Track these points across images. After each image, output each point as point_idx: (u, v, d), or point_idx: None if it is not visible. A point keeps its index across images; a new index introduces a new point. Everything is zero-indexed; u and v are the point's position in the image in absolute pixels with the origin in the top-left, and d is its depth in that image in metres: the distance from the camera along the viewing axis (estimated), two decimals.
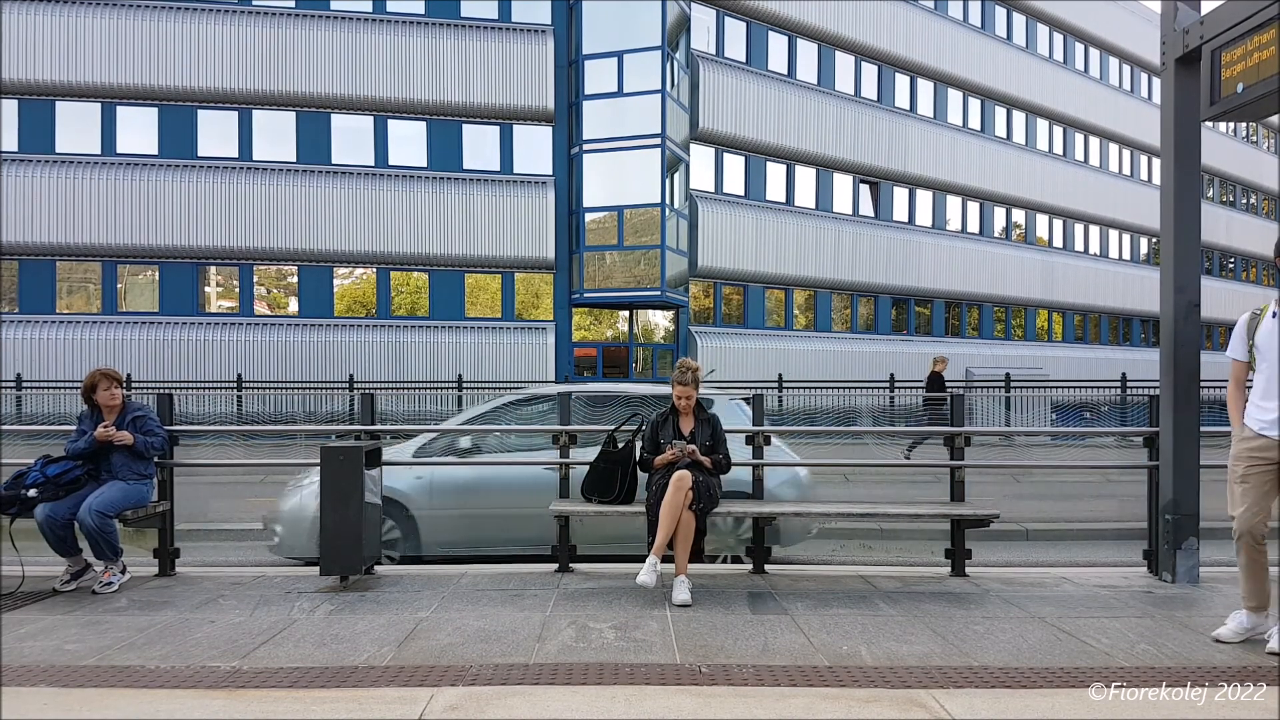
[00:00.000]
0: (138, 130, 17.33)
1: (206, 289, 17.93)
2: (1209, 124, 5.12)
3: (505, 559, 5.50)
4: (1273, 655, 3.34)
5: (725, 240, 19.84)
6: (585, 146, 18.35)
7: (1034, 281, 26.56)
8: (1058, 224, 27.89)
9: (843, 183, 22.37)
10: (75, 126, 17.12)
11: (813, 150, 21.41)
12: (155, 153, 17.30)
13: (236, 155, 17.56)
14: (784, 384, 16.09)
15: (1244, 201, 34.09)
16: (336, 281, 18.32)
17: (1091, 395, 19.00)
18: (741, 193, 20.48)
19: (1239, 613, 3.55)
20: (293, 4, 17.67)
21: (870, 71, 22.82)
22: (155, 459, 4.76)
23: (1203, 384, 4.76)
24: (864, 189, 22.92)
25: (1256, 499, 3.45)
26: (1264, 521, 3.46)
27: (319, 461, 4.47)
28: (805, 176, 21.63)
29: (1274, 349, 3.42)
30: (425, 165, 18.22)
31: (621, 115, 18.13)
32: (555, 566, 4.93)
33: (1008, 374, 17.40)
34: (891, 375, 17.29)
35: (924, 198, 24.14)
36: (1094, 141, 28.94)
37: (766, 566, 4.92)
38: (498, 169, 18.49)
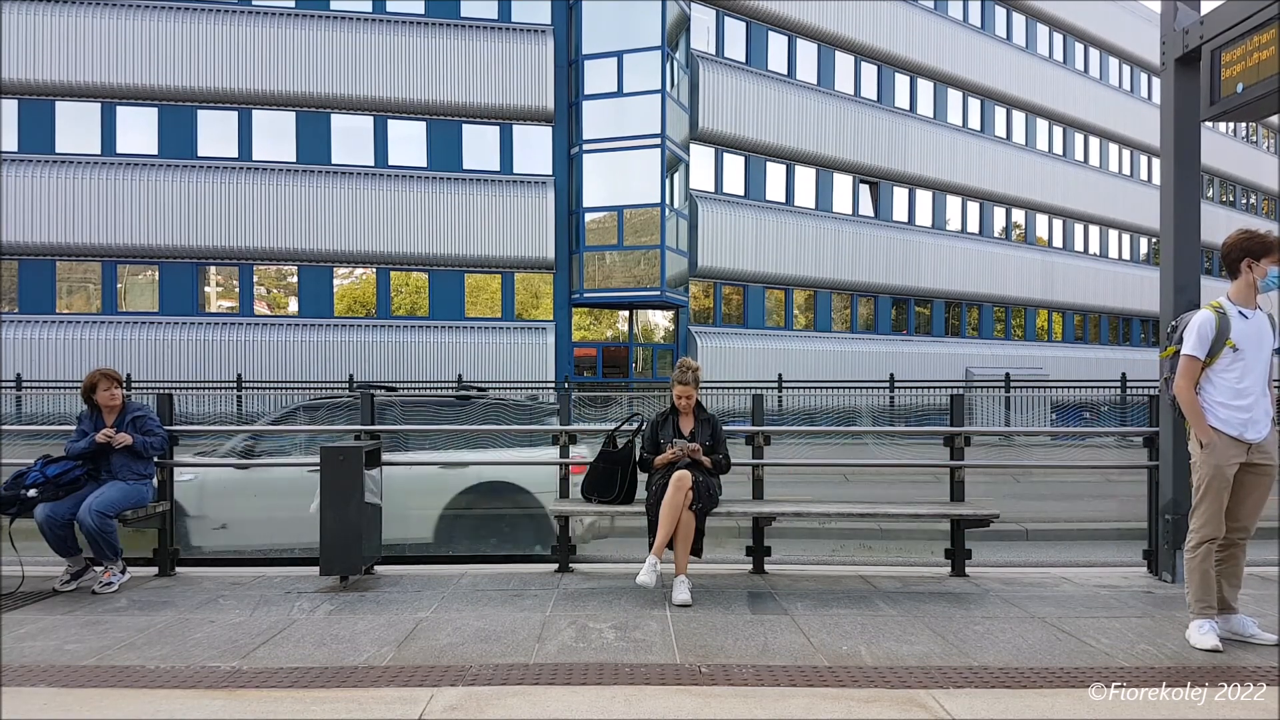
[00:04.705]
0: (138, 130, 17.32)
1: (206, 289, 17.92)
2: (1209, 124, 5.11)
3: (502, 559, 5.49)
4: (1272, 647, 3.39)
5: (725, 240, 19.83)
6: (585, 146, 18.34)
7: (1034, 281, 26.56)
8: (1057, 224, 27.88)
9: (842, 183, 22.37)
10: (75, 126, 17.12)
11: (813, 150, 21.41)
12: (155, 153, 17.30)
13: (236, 155, 17.56)
14: (784, 384, 16.08)
15: (1244, 201, 34.07)
16: (336, 281, 18.31)
17: (1091, 395, 18.98)
18: (741, 193, 20.47)
19: (1207, 622, 3.46)
20: (292, 4, 17.66)
21: (870, 71, 22.81)
22: (155, 459, 4.76)
23: None
24: (864, 189, 22.91)
25: (1231, 503, 3.48)
26: (1228, 525, 3.51)
27: (319, 461, 4.48)
28: (805, 176, 21.63)
29: (1264, 347, 3.44)
30: (425, 165, 18.21)
31: (621, 115, 18.12)
32: (555, 566, 4.93)
33: (1007, 374, 17.37)
34: (891, 375, 17.26)
35: (924, 198, 24.14)
36: (1094, 141, 28.93)
37: (766, 566, 4.93)
38: (498, 169, 18.48)
